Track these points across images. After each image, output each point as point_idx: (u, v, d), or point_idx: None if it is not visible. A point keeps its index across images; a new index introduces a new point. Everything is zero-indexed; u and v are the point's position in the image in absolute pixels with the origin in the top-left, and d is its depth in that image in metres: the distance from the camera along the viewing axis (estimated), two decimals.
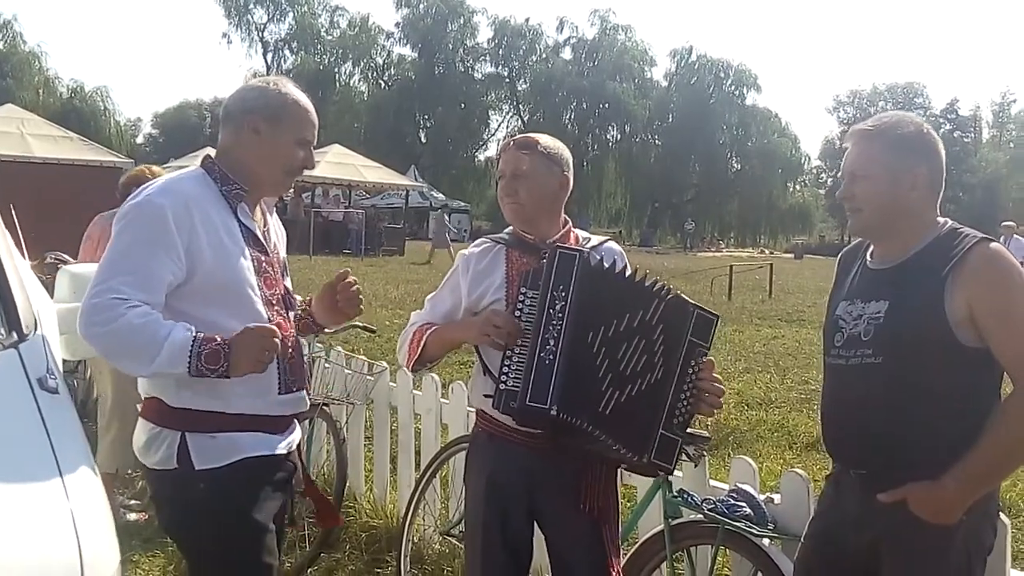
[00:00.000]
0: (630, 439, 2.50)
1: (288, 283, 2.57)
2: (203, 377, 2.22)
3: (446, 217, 28.36)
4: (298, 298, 2.70)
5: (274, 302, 2.42)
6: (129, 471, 4.81)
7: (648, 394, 2.52)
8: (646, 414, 2.51)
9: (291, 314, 2.52)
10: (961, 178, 64.56)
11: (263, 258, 2.43)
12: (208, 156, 2.47)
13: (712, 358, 2.62)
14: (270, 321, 2.37)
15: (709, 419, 7.19)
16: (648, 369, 2.52)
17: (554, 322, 2.44)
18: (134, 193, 2.37)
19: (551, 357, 2.42)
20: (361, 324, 5.51)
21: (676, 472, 3.26)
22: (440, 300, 2.83)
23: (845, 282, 2.51)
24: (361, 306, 2.70)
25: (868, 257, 2.46)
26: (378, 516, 4.63)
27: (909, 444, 2.26)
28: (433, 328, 2.75)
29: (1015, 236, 20.04)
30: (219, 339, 2.23)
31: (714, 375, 2.60)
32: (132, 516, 4.75)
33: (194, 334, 2.21)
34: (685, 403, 2.56)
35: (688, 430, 3.16)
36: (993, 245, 2.26)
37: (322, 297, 2.68)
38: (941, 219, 2.37)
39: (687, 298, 2.62)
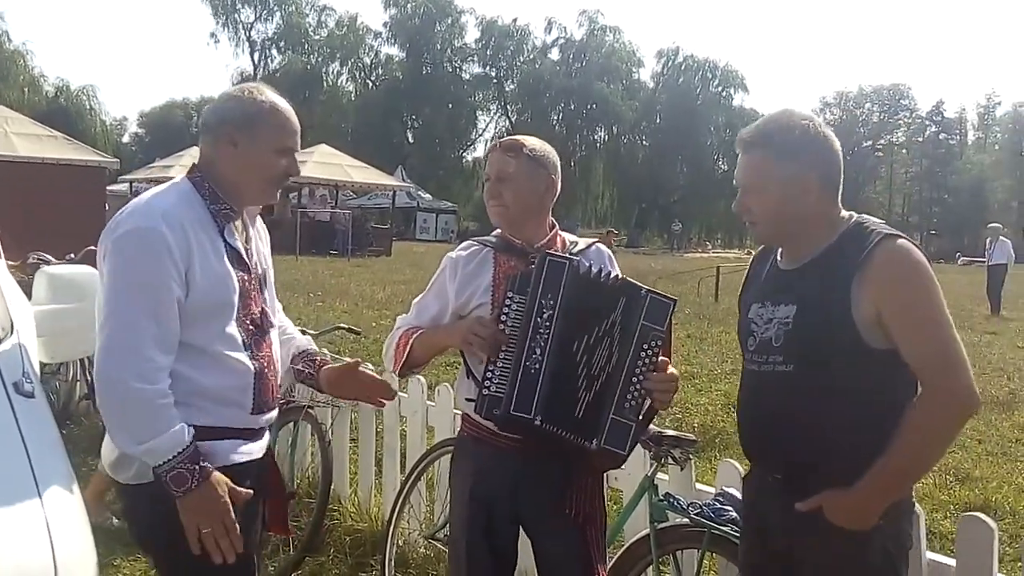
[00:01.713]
0: (586, 429, 2.47)
1: (269, 294, 2.51)
2: (158, 481, 2.18)
3: None
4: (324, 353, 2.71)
5: (250, 324, 2.37)
6: None
7: (605, 383, 2.49)
8: (601, 403, 2.48)
9: (270, 334, 2.45)
10: (947, 180, 64.78)
11: (245, 277, 2.37)
12: (196, 167, 2.39)
13: (667, 360, 2.55)
14: (245, 343, 2.33)
15: (696, 421, 7.22)
16: (608, 361, 2.49)
17: (541, 331, 2.42)
18: (128, 212, 2.26)
19: (537, 366, 2.41)
20: (346, 326, 5.50)
21: (662, 475, 3.26)
22: (427, 304, 2.79)
23: (755, 282, 2.47)
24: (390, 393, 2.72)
25: (778, 256, 2.41)
26: (363, 519, 4.60)
27: (825, 451, 2.21)
28: (419, 332, 2.72)
29: (1001, 238, 20.16)
30: (199, 467, 2.17)
31: (668, 370, 2.55)
32: (116, 521, 4.69)
33: (187, 443, 2.16)
34: (637, 387, 2.50)
35: (672, 433, 3.19)
36: (899, 242, 2.18)
37: (337, 379, 2.64)
38: (846, 213, 2.31)
39: (639, 283, 2.55)
